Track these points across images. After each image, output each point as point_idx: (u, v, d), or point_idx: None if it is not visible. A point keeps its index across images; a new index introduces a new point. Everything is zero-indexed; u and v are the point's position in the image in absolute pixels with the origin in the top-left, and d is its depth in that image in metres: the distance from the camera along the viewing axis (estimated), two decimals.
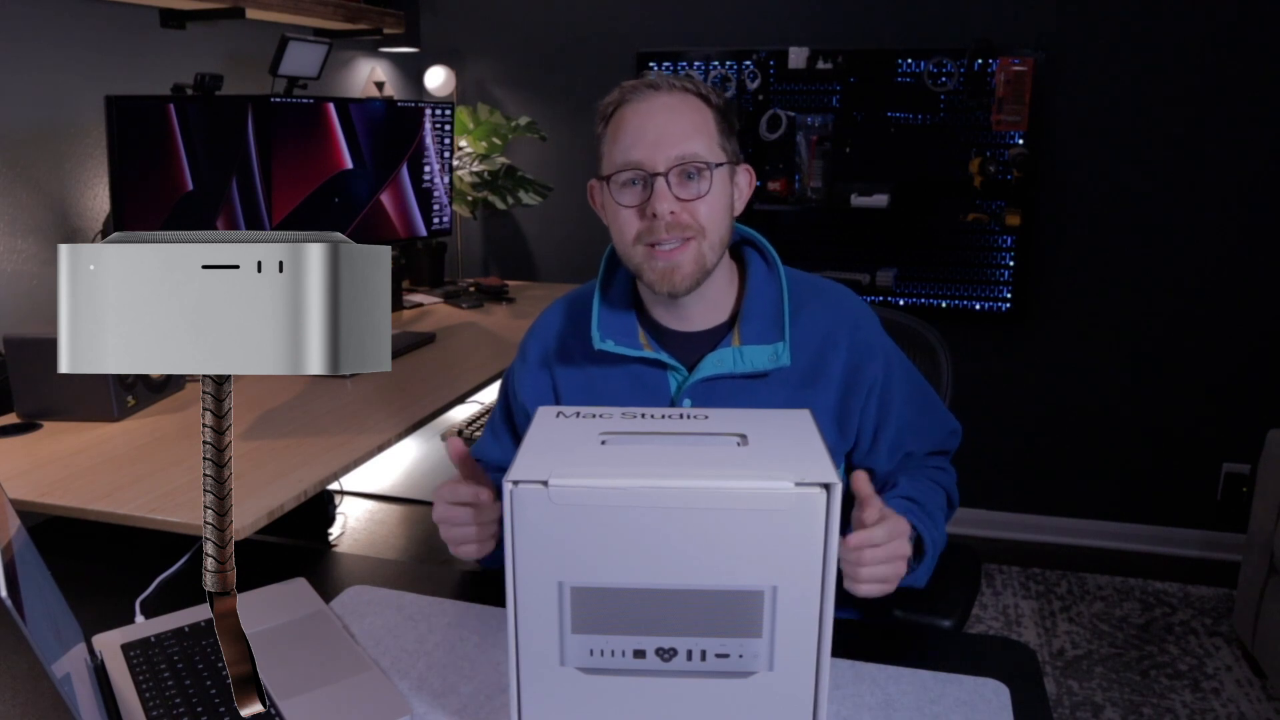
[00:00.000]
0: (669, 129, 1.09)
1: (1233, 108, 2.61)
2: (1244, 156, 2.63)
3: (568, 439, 0.84)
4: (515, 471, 0.77)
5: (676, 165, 1.08)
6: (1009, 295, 2.84)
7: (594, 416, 0.89)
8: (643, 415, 0.89)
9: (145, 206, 1.53)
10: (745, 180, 1.18)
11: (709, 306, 1.17)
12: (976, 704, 0.94)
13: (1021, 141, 2.71)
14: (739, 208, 1.17)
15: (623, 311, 1.19)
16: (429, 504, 1.67)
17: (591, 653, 0.79)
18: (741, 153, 1.18)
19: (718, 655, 0.79)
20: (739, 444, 0.83)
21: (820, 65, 2.79)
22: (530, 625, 0.79)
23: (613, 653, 0.79)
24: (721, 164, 1.11)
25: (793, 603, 0.78)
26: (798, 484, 0.75)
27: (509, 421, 1.28)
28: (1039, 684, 0.98)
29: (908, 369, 1.24)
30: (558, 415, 0.89)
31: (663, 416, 0.89)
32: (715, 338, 1.17)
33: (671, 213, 1.08)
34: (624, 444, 0.83)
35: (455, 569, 1.25)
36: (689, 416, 0.89)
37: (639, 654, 0.79)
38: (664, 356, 1.16)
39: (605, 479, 0.76)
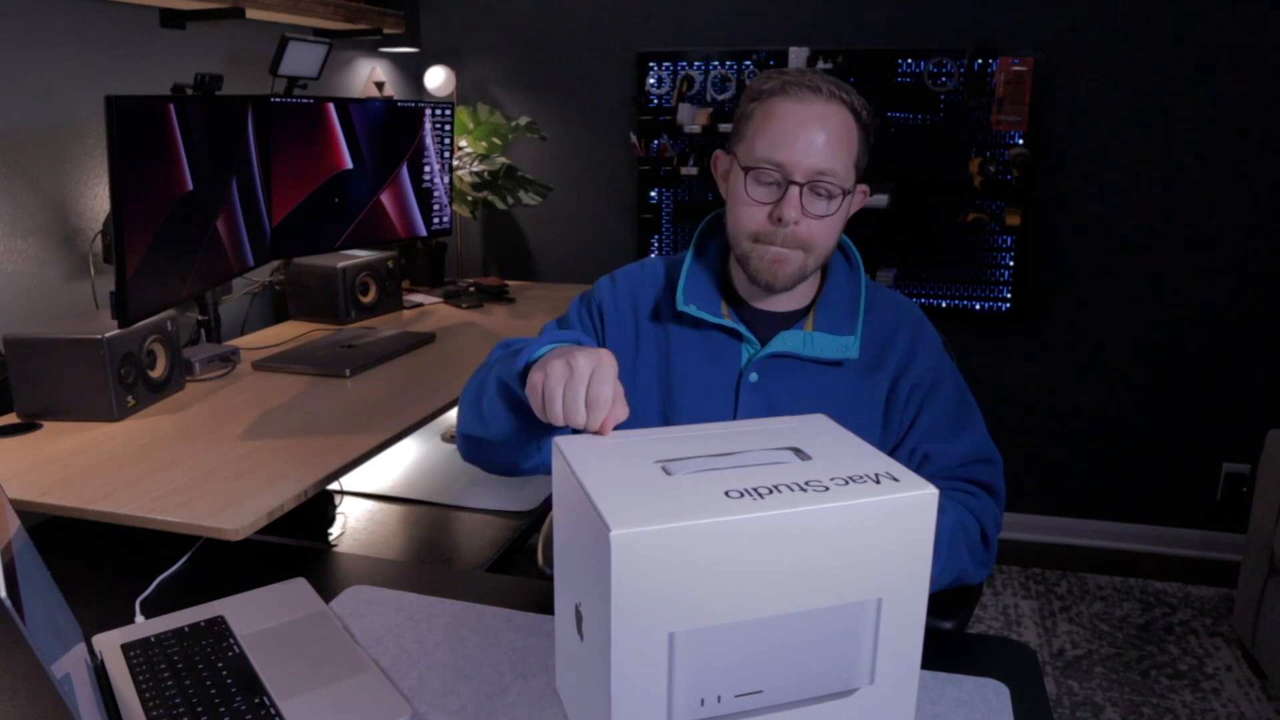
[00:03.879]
0: (818, 140, 1.11)
1: (1232, 108, 2.61)
2: (1244, 156, 2.63)
3: (630, 475, 0.78)
4: (610, 518, 0.70)
5: (814, 179, 1.11)
6: (1009, 295, 2.84)
7: (625, 441, 0.85)
8: (669, 438, 0.86)
9: (145, 206, 1.52)
10: (860, 198, 1.21)
11: (791, 295, 1.22)
12: (977, 704, 0.94)
13: (1021, 141, 2.71)
14: (846, 220, 1.20)
15: (709, 279, 1.24)
16: (429, 504, 1.67)
17: (703, 702, 0.75)
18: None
19: (823, 677, 0.78)
20: (800, 458, 0.82)
21: (820, 65, 2.79)
22: (632, 686, 0.73)
23: (719, 698, 0.75)
24: (851, 189, 1.15)
25: (897, 610, 0.78)
26: (906, 491, 0.75)
27: (585, 318, 1.27)
28: (1039, 684, 0.99)
29: (959, 383, 1.24)
30: (587, 445, 0.84)
31: (688, 438, 0.86)
32: (791, 320, 1.22)
33: (796, 222, 1.11)
34: (694, 473, 0.79)
35: (455, 569, 1.25)
36: (701, 436, 0.86)
37: (745, 694, 0.76)
38: (740, 327, 1.19)
39: (717, 515, 0.71)
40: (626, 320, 1.25)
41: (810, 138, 1.10)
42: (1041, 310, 2.86)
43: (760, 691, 0.76)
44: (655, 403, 1.21)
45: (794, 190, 1.10)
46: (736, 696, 0.76)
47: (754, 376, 1.19)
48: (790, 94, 1.12)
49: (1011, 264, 2.82)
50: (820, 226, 1.13)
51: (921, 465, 1.20)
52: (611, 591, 0.70)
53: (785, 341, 1.17)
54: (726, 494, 0.74)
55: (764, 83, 1.15)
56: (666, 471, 0.79)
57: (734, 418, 1.18)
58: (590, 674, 0.79)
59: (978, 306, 2.88)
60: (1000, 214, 2.78)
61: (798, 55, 2.80)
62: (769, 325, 1.21)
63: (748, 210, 1.14)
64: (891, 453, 1.20)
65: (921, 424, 1.20)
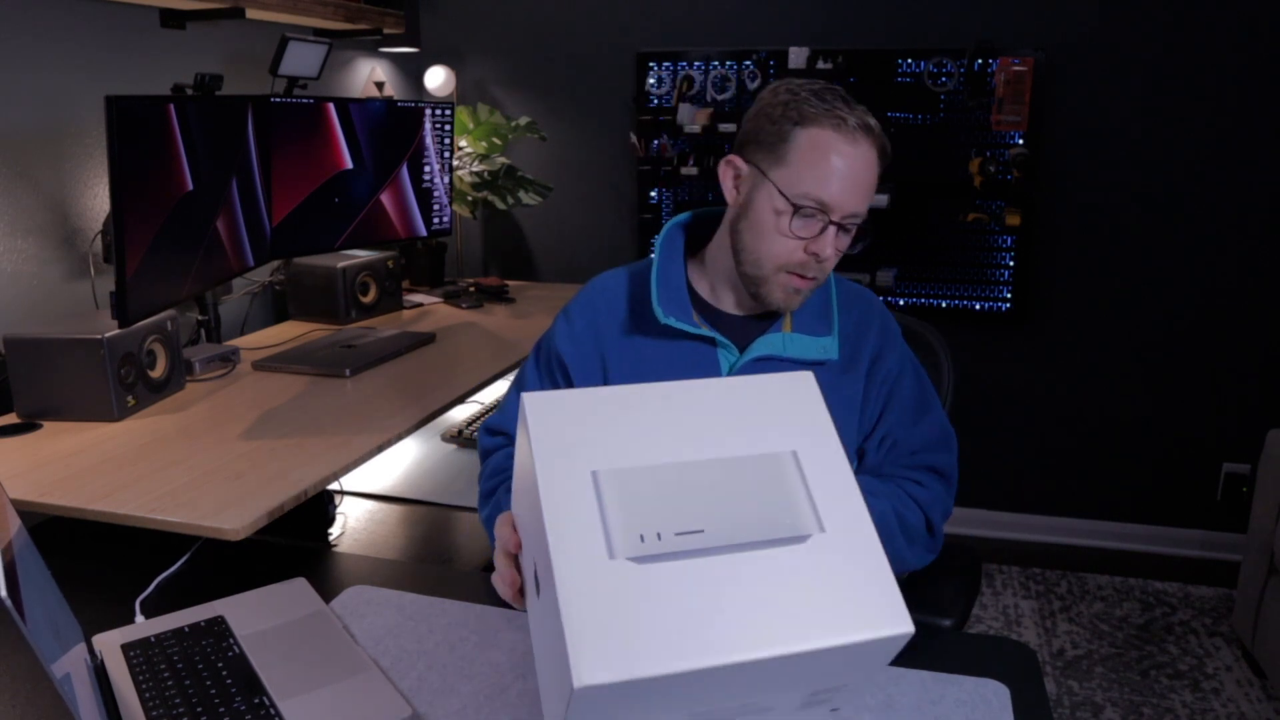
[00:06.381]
0: (862, 188, 1.11)
1: (1233, 107, 2.61)
2: (1244, 156, 2.63)
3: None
4: (528, 399, 0.81)
5: (850, 220, 1.12)
6: (1009, 295, 2.84)
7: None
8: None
9: (145, 206, 1.52)
10: None
11: None
12: (977, 705, 0.94)
13: (1021, 141, 2.71)
14: None
15: (678, 289, 1.23)
16: (429, 504, 1.67)
17: (643, 538, 0.75)
18: None
19: (765, 522, 0.78)
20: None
21: (820, 65, 2.79)
22: (567, 524, 0.75)
23: (659, 535, 0.76)
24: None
25: (817, 464, 0.81)
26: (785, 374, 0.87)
27: (546, 380, 1.27)
28: (1039, 684, 0.98)
29: (919, 372, 1.27)
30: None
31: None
32: (764, 324, 1.22)
33: (830, 259, 1.13)
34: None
35: (455, 569, 1.25)
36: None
37: (686, 533, 0.76)
38: (718, 336, 1.19)
39: (619, 389, 0.83)
40: (590, 357, 1.23)
41: (859, 184, 1.11)
42: (1041, 310, 2.86)
43: (701, 531, 0.77)
44: None
45: (832, 230, 1.11)
46: (677, 535, 0.76)
47: None
48: (843, 132, 1.09)
49: (1011, 264, 2.82)
50: (837, 259, 1.15)
51: (888, 451, 1.24)
52: (532, 443, 0.78)
53: (766, 345, 1.18)
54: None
55: (804, 103, 1.10)
56: None
57: None
58: (543, 611, 0.79)
59: (978, 306, 2.88)
60: (1000, 214, 2.78)
61: (798, 55, 2.80)
62: (742, 330, 1.21)
63: (785, 244, 1.12)
64: (863, 443, 1.23)
65: (890, 413, 1.23)
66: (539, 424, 0.78)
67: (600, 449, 0.79)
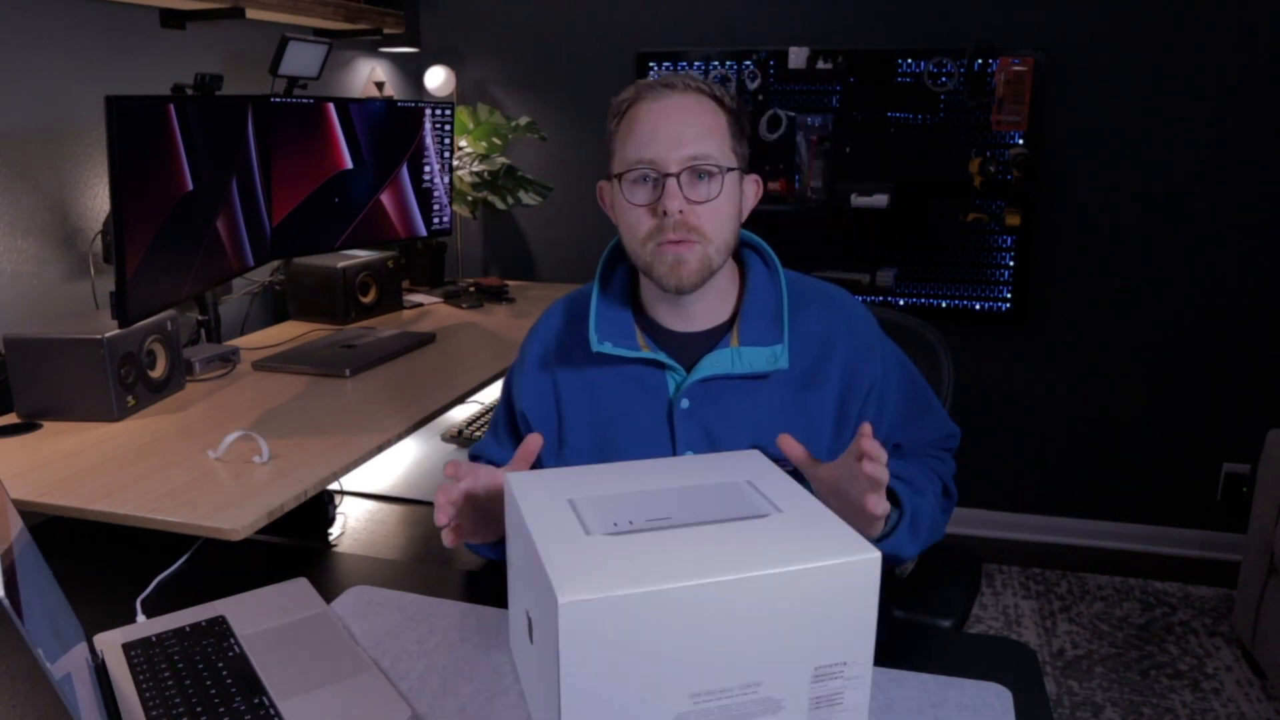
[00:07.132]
0: (683, 129, 1.09)
1: (1233, 107, 2.61)
2: (1244, 156, 2.63)
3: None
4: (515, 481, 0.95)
5: (689, 166, 1.08)
6: (1009, 295, 2.84)
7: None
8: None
9: (145, 206, 1.52)
10: (752, 190, 1.18)
11: (710, 306, 1.17)
12: (979, 708, 0.93)
13: (1021, 141, 2.71)
14: (744, 214, 1.18)
15: (621, 312, 1.19)
16: (429, 504, 1.67)
17: (615, 524, 0.86)
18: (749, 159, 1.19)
19: (726, 509, 0.89)
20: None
21: (820, 65, 2.79)
22: (548, 522, 0.86)
23: (630, 522, 0.86)
24: (733, 168, 1.12)
25: (770, 484, 0.93)
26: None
27: (510, 424, 1.28)
28: (1039, 684, 0.98)
29: (906, 368, 1.24)
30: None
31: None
32: (714, 338, 1.17)
33: (680, 211, 1.08)
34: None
35: (456, 569, 1.25)
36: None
37: (656, 519, 0.87)
38: (662, 357, 1.15)
39: (593, 468, 1.01)
40: (545, 391, 1.21)
41: (674, 129, 1.09)
42: (1041, 310, 2.86)
43: (668, 517, 0.87)
44: (591, 450, 1.18)
45: (671, 181, 1.08)
46: (647, 520, 0.86)
47: (685, 403, 1.14)
48: (646, 97, 1.12)
49: (1011, 264, 2.82)
50: (708, 211, 1.09)
51: (893, 453, 1.23)
52: (517, 500, 0.90)
53: (714, 364, 1.13)
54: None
55: (620, 98, 1.15)
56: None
57: (672, 446, 1.15)
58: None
59: (978, 306, 2.88)
60: (1000, 214, 2.78)
61: (798, 55, 2.80)
62: (691, 348, 1.16)
63: (633, 215, 1.11)
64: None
65: (886, 421, 1.19)
66: (524, 496, 0.90)
67: (576, 489, 0.92)
